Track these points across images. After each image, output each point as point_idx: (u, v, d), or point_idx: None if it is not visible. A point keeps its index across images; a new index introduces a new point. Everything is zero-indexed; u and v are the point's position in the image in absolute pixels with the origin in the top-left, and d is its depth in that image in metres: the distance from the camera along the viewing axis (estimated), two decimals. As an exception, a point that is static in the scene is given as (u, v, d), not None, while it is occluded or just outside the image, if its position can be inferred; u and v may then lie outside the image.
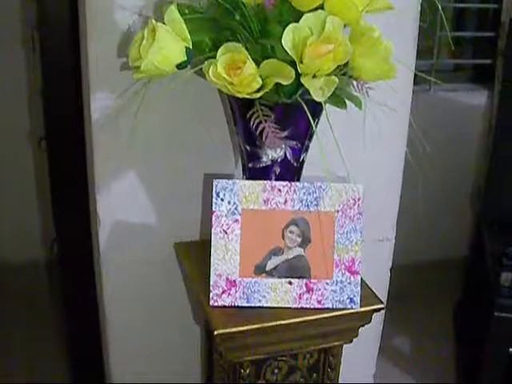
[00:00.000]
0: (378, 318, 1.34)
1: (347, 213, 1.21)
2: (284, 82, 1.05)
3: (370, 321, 1.27)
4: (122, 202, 1.40)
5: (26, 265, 2.83)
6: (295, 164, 1.23)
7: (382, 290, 1.59)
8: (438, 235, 3.03)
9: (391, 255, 1.66)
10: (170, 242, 1.44)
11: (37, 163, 2.82)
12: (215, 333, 1.15)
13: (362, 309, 1.23)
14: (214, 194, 1.20)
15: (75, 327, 1.89)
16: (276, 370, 1.30)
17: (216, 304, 1.20)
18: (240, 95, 1.06)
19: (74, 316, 1.87)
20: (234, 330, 1.16)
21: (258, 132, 1.10)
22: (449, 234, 3.02)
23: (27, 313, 2.63)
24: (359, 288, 1.22)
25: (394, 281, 1.72)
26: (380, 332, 1.76)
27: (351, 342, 1.31)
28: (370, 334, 1.61)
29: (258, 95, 1.06)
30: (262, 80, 1.06)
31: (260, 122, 1.10)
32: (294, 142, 1.20)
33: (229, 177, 1.24)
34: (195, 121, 1.36)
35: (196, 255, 1.36)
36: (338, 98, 1.14)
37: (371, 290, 1.29)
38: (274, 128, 1.10)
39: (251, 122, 1.10)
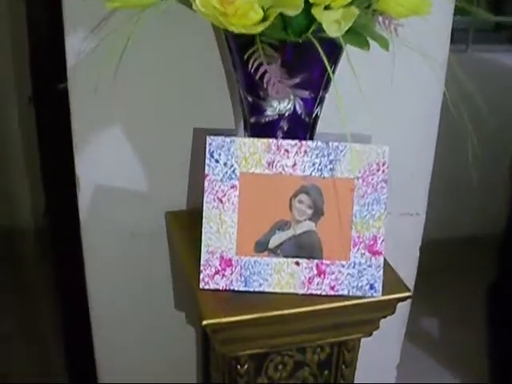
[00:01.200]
0: (404, 304, 1.12)
1: (369, 180, 0.99)
2: (290, 13, 0.83)
3: (393, 311, 1.06)
4: (103, 163, 1.19)
5: (15, 233, 2.64)
6: (307, 119, 1.01)
7: (409, 272, 1.37)
8: (472, 209, 2.78)
9: (421, 232, 1.44)
10: (161, 210, 1.23)
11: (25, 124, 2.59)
12: (203, 323, 0.95)
13: (385, 297, 1.01)
14: (208, 154, 0.99)
15: (65, 302, 1.70)
16: (280, 366, 1.10)
17: (207, 287, 1.00)
18: (235, 29, 0.84)
19: (64, 291, 1.69)
20: (226, 319, 0.96)
21: (257, 76, 0.88)
22: (484, 207, 2.77)
23: (15, 283, 2.45)
24: (381, 272, 1.00)
25: (421, 257, 1.49)
26: (406, 319, 1.55)
27: (371, 335, 1.10)
28: (394, 322, 1.39)
29: (259, 30, 0.84)
30: (264, 11, 0.84)
31: (261, 65, 0.87)
32: (306, 93, 0.98)
33: (226, 133, 1.03)
34: (187, 66, 1.14)
35: (189, 227, 1.14)
36: (359, 37, 0.91)
37: (396, 275, 1.07)
38: (278, 72, 0.88)
39: (250, 65, 0.88)
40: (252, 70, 0.87)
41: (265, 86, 0.88)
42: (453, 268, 2.66)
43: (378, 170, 1.00)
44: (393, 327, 1.49)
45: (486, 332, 2.38)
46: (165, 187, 1.22)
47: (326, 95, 1.02)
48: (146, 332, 1.36)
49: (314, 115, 1.02)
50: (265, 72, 0.87)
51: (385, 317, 1.07)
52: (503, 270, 2.54)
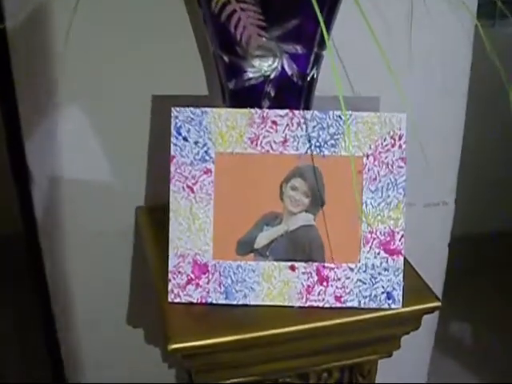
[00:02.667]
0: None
1: (383, 158, 0.77)
2: None
3: (418, 326, 0.83)
4: (58, 151, 0.97)
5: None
6: (299, 82, 0.79)
7: (435, 275, 1.15)
8: (503, 199, 2.50)
9: (450, 226, 1.21)
10: (133, 205, 1.01)
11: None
12: (169, 347, 0.73)
13: (407, 309, 0.79)
14: (174, 131, 0.77)
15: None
16: (277, 396, 0.88)
17: (177, 300, 0.78)
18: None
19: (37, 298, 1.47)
20: (200, 343, 0.74)
21: (223, 18, 0.66)
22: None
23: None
24: (401, 276, 0.78)
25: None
26: (434, 328, 1.32)
27: (390, 355, 0.87)
28: (420, 332, 1.16)
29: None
30: None
31: (228, 3, 0.65)
32: (297, 48, 0.76)
33: (197, 102, 0.80)
34: (147, 22, 0.91)
35: (163, 224, 0.91)
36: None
37: (420, 279, 0.84)
38: (252, 13, 0.66)
39: (213, 4, 0.66)
40: (216, 10, 0.65)
41: (238, 34, 0.66)
42: (484, 265, 2.41)
43: (394, 145, 0.77)
44: (419, 338, 1.26)
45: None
46: (134, 176, 0.99)
47: (324, 52, 0.79)
48: (119, 348, 1.14)
49: (308, 77, 0.79)
50: (233, 13, 0.65)
51: (407, 333, 0.84)
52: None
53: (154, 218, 0.97)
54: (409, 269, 0.83)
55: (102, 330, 1.11)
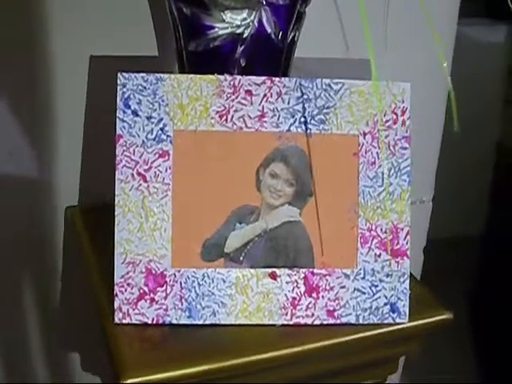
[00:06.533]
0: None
1: (383, 138, 0.62)
2: None
3: (420, 345, 0.68)
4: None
5: None
6: (278, 43, 0.63)
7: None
8: (454, 203, 2.41)
9: (427, 227, 1.07)
10: (60, 204, 0.82)
11: None
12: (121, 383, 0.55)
13: (414, 323, 0.64)
14: (120, 103, 0.60)
15: None
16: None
17: (127, 321, 0.61)
18: None
19: None
20: (158, 376, 0.56)
21: None
22: (466, 198, 2.39)
23: None
24: (407, 283, 0.63)
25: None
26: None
27: (385, 380, 0.72)
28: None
29: None
30: None
31: None
32: (278, -2, 0.60)
33: (144, 65, 0.62)
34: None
35: (104, 227, 0.72)
36: None
37: (422, 285, 0.70)
38: None
39: None
40: None
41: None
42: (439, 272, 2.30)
43: (396, 122, 0.63)
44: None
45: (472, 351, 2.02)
46: (63, 167, 0.80)
47: (308, 9, 0.64)
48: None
49: (289, 37, 0.64)
50: None
51: (405, 353, 0.70)
52: (482, 275, 2.22)
53: (91, 221, 0.79)
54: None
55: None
